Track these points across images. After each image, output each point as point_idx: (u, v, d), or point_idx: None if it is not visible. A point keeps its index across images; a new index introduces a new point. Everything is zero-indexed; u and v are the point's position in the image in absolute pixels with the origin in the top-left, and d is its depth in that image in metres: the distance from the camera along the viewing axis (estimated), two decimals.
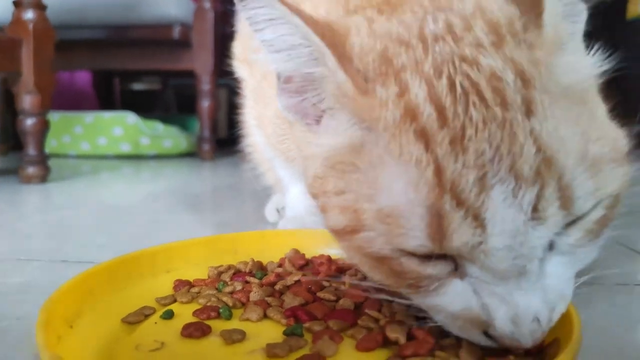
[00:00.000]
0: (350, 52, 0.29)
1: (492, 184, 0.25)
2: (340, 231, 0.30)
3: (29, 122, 1.16)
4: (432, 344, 0.30)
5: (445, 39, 0.28)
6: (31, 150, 1.17)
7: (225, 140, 2.39)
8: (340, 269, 0.43)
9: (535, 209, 0.25)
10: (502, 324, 0.27)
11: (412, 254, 0.28)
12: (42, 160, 1.19)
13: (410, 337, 0.31)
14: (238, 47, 0.66)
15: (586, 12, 0.31)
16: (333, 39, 0.29)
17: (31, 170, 1.17)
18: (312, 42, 0.29)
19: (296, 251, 0.48)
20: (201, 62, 1.82)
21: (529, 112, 0.26)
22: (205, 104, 1.85)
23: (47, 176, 1.20)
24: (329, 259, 0.45)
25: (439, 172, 0.25)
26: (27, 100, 1.14)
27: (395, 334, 0.31)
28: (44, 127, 1.18)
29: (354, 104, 0.29)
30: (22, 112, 1.15)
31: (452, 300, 0.28)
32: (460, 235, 0.26)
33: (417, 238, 0.26)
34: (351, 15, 0.33)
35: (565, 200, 0.26)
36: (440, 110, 0.26)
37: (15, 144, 2.02)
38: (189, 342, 0.33)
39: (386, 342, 0.32)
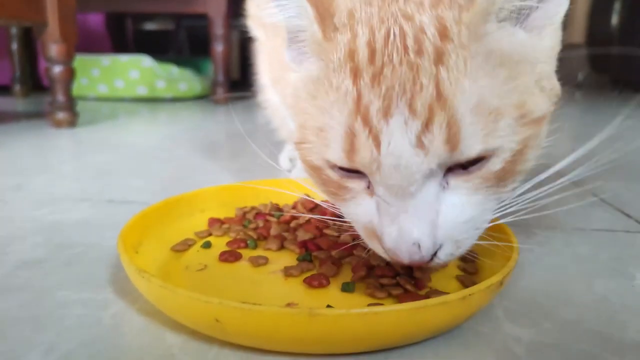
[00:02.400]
0: (335, 9, 0.35)
1: (392, 113, 0.31)
2: (297, 143, 0.38)
3: (57, 70, 1.23)
4: (395, 270, 0.39)
5: (398, 0, 0.34)
6: (60, 97, 1.25)
7: (238, 81, 2.44)
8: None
9: (419, 138, 0.30)
10: (387, 238, 0.33)
11: (334, 166, 0.35)
12: (71, 105, 1.27)
13: (387, 263, 0.41)
14: (252, 7, 0.70)
15: (565, 3, 0.35)
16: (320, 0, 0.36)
17: (61, 115, 1.25)
18: (297, 1, 0.35)
19: (307, 196, 0.57)
20: (214, 5, 1.83)
21: (438, 60, 0.31)
22: (218, 48, 1.88)
23: (76, 121, 1.28)
24: (332, 205, 0.54)
25: (358, 99, 0.32)
26: (54, 49, 1.21)
27: (377, 261, 0.41)
28: (70, 74, 1.25)
29: (319, 48, 0.35)
30: (49, 60, 1.22)
31: (362, 212, 0.36)
32: (364, 151, 0.32)
33: (336, 152, 0.33)
34: None
35: (452, 137, 0.30)
36: (372, 52, 0.32)
37: (33, 85, 2.11)
38: (225, 265, 0.43)
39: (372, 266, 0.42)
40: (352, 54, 0.33)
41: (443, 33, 0.32)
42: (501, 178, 0.33)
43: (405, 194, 0.32)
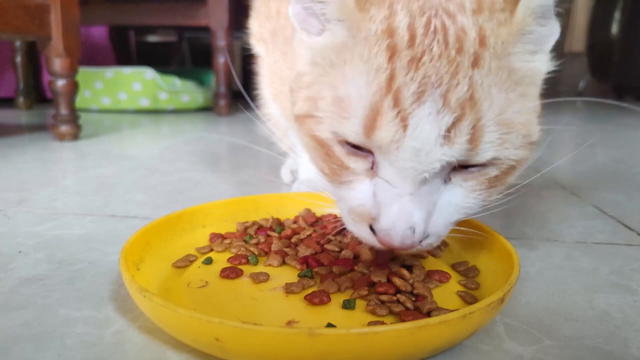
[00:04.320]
0: None
1: (425, 100, 0.32)
2: (300, 116, 0.38)
3: (60, 83, 1.24)
4: (397, 286, 0.40)
5: None
6: (63, 110, 1.26)
7: (240, 93, 2.45)
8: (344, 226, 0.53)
9: (448, 131, 0.32)
10: (385, 218, 0.34)
11: (343, 142, 0.35)
12: (74, 119, 1.28)
13: (388, 279, 0.41)
14: (254, 25, 0.71)
15: (557, 32, 0.37)
16: None
17: (64, 128, 1.26)
18: None
19: (308, 210, 0.57)
20: (217, 18, 1.85)
21: (475, 63, 0.32)
22: (221, 59, 1.89)
23: (78, 134, 1.29)
24: (335, 217, 0.55)
25: (391, 78, 0.32)
26: (58, 63, 1.22)
27: (378, 277, 0.41)
28: (74, 88, 1.26)
29: (349, 16, 0.35)
30: (53, 74, 1.23)
31: (355, 195, 0.36)
32: (386, 130, 0.32)
33: (354, 124, 0.33)
34: None
35: (475, 138, 0.32)
36: (412, 36, 0.33)
37: (37, 97, 2.12)
38: (227, 282, 0.43)
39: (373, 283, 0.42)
40: (390, 31, 0.33)
41: (482, 40, 0.33)
42: (492, 185, 0.36)
43: (416, 179, 0.33)
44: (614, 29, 2.73)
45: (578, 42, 3.01)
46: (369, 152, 0.35)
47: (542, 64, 0.38)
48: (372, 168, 0.35)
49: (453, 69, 0.32)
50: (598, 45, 2.84)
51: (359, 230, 0.38)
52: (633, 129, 1.70)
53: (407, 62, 0.32)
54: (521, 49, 0.35)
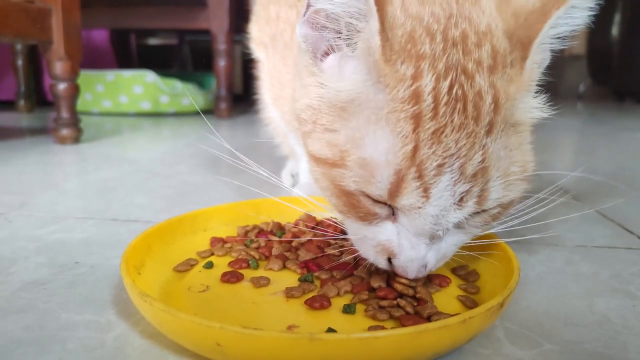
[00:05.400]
0: (385, 18, 0.34)
1: (445, 172, 0.33)
2: (321, 160, 0.37)
3: (61, 86, 1.24)
4: (397, 292, 0.40)
5: (458, 48, 0.34)
6: (64, 113, 1.26)
7: (241, 95, 2.45)
8: (343, 231, 0.53)
9: (461, 198, 0.34)
10: (403, 259, 0.37)
11: (368, 196, 0.36)
12: (75, 122, 1.28)
13: (388, 284, 0.41)
14: (254, 30, 0.72)
15: (547, 61, 0.38)
16: (380, 3, 0.33)
17: (65, 131, 1.27)
18: (366, 2, 0.33)
19: (308, 214, 0.58)
20: (217, 22, 1.86)
21: (489, 131, 0.34)
22: (221, 63, 1.90)
23: (79, 137, 1.29)
24: (335, 222, 0.55)
25: (415, 150, 0.33)
26: (59, 67, 1.22)
27: (377, 282, 0.41)
28: (75, 91, 1.26)
29: (376, 66, 0.34)
30: (54, 77, 1.23)
31: (384, 232, 0.38)
32: (409, 198, 0.34)
33: (379, 189, 0.34)
34: None
35: (482, 199, 0.35)
36: (436, 106, 0.33)
37: (38, 100, 2.13)
38: (227, 286, 0.43)
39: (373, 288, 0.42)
40: (416, 99, 0.33)
41: (497, 104, 0.34)
42: (495, 218, 0.39)
43: (430, 236, 0.37)
44: (614, 31, 2.73)
45: (578, 45, 3.02)
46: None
47: (538, 105, 0.38)
48: (392, 214, 0.37)
49: (472, 140, 0.33)
50: (598, 48, 2.84)
51: (377, 260, 0.40)
52: (634, 132, 1.70)
53: (431, 134, 0.33)
54: (526, 101, 0.36)
